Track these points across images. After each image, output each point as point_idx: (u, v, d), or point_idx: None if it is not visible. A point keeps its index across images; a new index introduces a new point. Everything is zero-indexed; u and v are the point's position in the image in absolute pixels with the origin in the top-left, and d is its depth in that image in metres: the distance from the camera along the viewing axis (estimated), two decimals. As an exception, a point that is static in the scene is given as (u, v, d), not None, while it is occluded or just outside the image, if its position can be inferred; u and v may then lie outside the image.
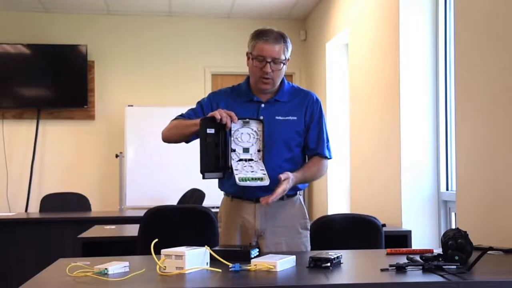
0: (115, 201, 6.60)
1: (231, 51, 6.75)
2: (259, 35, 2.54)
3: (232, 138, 2.44)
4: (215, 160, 2.41)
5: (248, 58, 2.59)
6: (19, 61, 6.60)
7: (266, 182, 2.40)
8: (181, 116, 2.67)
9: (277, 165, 2.53)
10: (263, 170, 2.43)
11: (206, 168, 2.38)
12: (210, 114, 2.44)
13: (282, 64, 2.54)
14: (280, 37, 2.55)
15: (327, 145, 2.66)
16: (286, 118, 2.59)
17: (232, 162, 2.43)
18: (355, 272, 2.14)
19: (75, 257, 2.37)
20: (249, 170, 2.42)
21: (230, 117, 2.40)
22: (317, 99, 2.69)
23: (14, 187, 6.59)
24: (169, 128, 2.66)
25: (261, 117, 2.53)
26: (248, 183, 2.38)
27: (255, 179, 2.39)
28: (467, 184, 3.17)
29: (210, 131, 2.40)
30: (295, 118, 2.61)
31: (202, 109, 2.65)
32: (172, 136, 2.64)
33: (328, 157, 2.66)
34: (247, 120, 2.47)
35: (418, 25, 4.12)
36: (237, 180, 2.37)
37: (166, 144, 2.74)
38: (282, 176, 2.43)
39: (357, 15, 5.18)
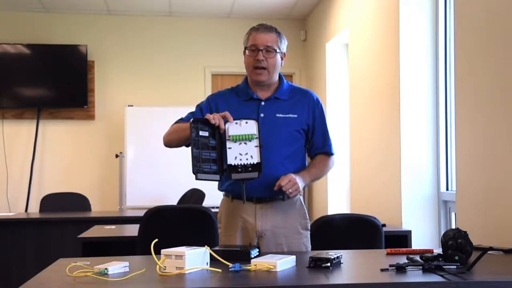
0: (115, 201, 6.60)
1: (231, 51, 6.74)
2: (251, 28, 2.65)
3: (227, 138, 2.43)
4: (212, 163, 2.40)
5: (244, 54, 2.65)
6: (19, 61, 6.60)
7: (256, 174, 2.40)
8: (181, 120, 2.69)
9: (278, 162, 2.54)
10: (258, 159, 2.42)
11: (199, 169, 2.36)
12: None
13: (275, 53, 2.59)
14: (272, 28, 2.64)
15: (331, 143, 2.73)
16: (287, 115, 2.62)
17: (228, 158, 2.42)
18: (355, 272, 2.14)
19: (75, 257, 2.36)
20: (243, 151, 2.42)
21: (225, 117, 2.42)
22: (317, 99, 2.72)
23: (14, 187, 6.59)
24: (169, 133, 2.68)
25: (262, 115, 2.57)
26: (239, 175, 2.39)
27: (247, 136, 2.40)
28: (467, 184, 3.17)
29: (204, 133, 2.40)
30: (295, 115, 2.63)
31: (202, 112, 2.66)
32: (172, 141, 2.65)
33: (333, 153, 2.73)
34: (243, 120, 2.46)
35: (418, 25, 4.12)
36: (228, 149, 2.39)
37: (166, 144, 2.75)
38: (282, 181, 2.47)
39: (357, 15, 5.18)
